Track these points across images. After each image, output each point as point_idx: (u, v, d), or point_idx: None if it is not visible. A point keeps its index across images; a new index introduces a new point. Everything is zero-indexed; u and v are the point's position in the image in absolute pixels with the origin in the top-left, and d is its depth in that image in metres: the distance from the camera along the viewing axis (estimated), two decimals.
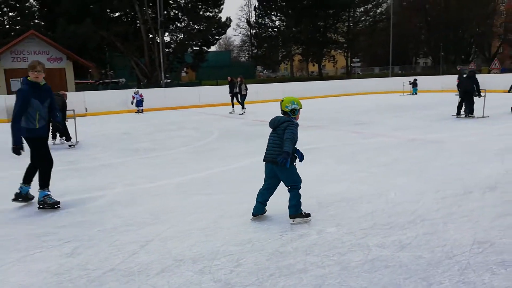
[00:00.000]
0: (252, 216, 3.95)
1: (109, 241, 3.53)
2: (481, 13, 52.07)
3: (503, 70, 40.96)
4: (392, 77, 34.82)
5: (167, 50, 36.13)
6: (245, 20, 59.22)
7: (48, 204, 4.49)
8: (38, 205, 4.53)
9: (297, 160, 3.87)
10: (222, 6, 38.87)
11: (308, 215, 3.87)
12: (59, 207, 4.52)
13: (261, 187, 3.97)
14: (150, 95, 20.83)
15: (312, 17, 47.49)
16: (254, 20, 53.71)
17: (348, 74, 50.97)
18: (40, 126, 4.46)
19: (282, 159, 3.55)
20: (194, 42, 38.58)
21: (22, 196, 4.67)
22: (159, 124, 13.31)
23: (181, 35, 38.78)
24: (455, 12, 51.49)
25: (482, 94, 11.63)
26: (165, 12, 33.41)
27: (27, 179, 4.66)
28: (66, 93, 10.07)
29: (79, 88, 26.01)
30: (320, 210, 4.18)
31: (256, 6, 51.47)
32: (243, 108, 15.91)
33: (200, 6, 37.89)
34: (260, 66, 63.20)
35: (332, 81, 33.21)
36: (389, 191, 4.73)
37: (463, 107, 11.70)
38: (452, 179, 5.10)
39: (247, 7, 70.06)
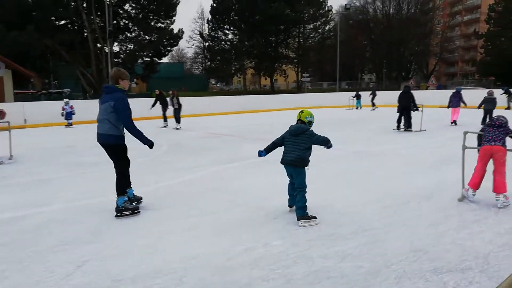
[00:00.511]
0: (289, 208, 4.51)
1: (42, 262, 3.29)
2: (419, 33, 56.17)
3: (439, 87, 44.24)
4: (339, 92, 36.29)
5: (116, 60, 35.03)
6: (198, 33, 59.11)
7: (129, 210, 4.52)
8: (116, 213, 4.47)
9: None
10: (174, 18, 38.60)
11: (314, 217, 4.15)
12: (139, 212, 4.56)
13: (289, 182, 4.45)
14: (97, 106, 20.06)
15: (264, 32, 48.52)
16: (207, 33, 53.81)
17: (299, 88, 52.41)
18: (124, 133, 4.58)
19: (330, 145, 4.35)
20: (145, 53, 37.84)
21: (135, 199, 4.83)
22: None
23: (131, 45, 37.85)
24: (397, 32, 55.02)
25: (420, 109, 12.45)
26: (115, 21, 32.53)
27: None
28: (5, 112, 9.18)
29: (19, 98, 24.42)
30: (267, 222, 4.20)
31: (209, 19, 51.67)
32: (178, 122, 14.92)
33: (151, 17, 37.34)
34: (213, 78, 63.19)
35: (283, 95, 33.98)
36: (334, 202, 4.87)
37: (402, 121, 12.43)
38: (392, 190, 5.35)
39: (200, 19, 69.86)
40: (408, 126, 12.25)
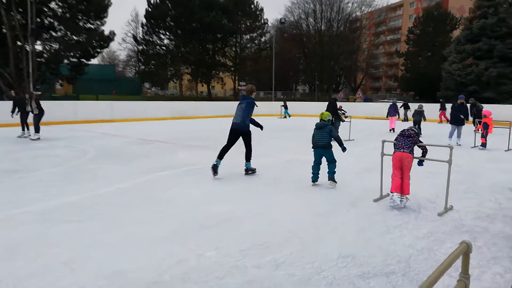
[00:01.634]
0: (311, 182, 6.31)
1: None
2: (348, 49, 59.91)
3: (366, 100, 47.46)
4: (274, 101, 37.22)
5: (38, 59, 32.48)
6: (132, 36, 56.97)
7: (252, 170, 7.18)
8: (245, 173, 7.13)
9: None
10: (105, 19, 36.87)
11: (336, 182, 6.17)
12: (255, 173, 7.20)
13: (312, 164, 6.33)
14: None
15: (201, 39, 48.30)
16: (141, 37, 52.10)
17: (236, 96, 52.80)
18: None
19: (344, 148, 6.26)
20: (72, 54, 35.54)
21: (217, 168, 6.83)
22: (24, 141, 11.71)
23: (56, 45, 35.29)
24: (327, 47, 58.12)
25: (346, 119, 13.20)
26: (38, 19, 30.17)
27: (221, 156, 6.89)
28: None
29: None
30: (201, 232, 4.11)
31: (144, 23, 50.12)
32: (36, 132, 12.51)
33: (80, 17, 35.26)
34: (147, 82, 61.26)
35: (220, 102, 34.03)
36: (268, 210, 4.92)
37: None
38: (322, 197, 5.56)
39: (134, 23, 67.55)
40: None
